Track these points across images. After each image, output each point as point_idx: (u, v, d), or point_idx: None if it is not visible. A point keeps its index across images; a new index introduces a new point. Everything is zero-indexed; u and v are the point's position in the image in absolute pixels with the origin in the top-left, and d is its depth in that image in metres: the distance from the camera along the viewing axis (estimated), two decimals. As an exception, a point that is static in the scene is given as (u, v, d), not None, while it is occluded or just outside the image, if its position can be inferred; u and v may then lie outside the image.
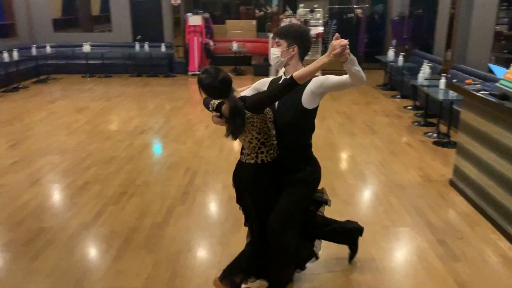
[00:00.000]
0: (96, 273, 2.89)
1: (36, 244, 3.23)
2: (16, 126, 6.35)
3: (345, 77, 2.22)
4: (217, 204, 3.93)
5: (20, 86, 9.06)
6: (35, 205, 3.88)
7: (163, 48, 10.27)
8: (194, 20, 10.17)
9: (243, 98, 2.30)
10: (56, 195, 4.17)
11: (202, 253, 3.14)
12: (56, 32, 10.96)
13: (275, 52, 2.36)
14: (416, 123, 6.35)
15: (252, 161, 2.40)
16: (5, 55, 8.61)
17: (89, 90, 8.97)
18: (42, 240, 3.28)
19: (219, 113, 2.35)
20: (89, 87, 9.33)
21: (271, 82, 2.48)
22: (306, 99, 2.30)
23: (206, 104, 2.44)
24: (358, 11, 9.93)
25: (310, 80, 2.29)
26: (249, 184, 2.47)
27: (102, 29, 11.62)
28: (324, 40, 10.03)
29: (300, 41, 2.36)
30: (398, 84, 8.40)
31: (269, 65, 10.26)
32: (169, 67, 10.73)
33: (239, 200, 2.59)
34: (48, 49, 9.93)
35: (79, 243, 3.26)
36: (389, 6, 10.72)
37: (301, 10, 9.96)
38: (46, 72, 10.22)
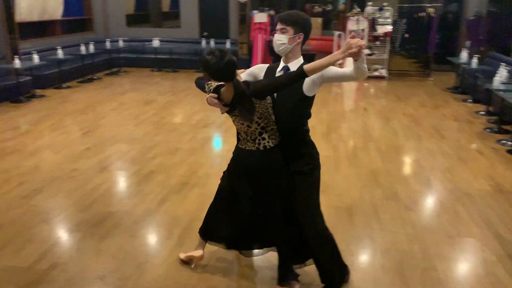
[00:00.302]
0: (158, 258, 3.01)
1: (103, 226, 3.43)
2: (89, 115, 6.75)
3: (347, 70, 2.27)
4: (275, 200, 3.94)
5: (94, 77, 9.63)
6: (104, 190, 4.11)
7: (228, 45, 10.46)
8: (260, 17, 10.24)
9: (247, 83, 2.30)
10: (123, 182, 4.40)
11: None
12: (128, 27, 11.52)
13: (281, 39, 2.34)
14: (489, 130, 5.98)
15: (254, 148, 2.38)
16: (82, 48, 9.19)
17: (157, 84, 9.34)
18: (109, 223, 3.47)
19: (216, 95, 2.31)
20: (156, 80, 9.72)
21: (269, 69, 2.47)
22: (307, 87, 2.33)
23: (200, 85, 2.43)
24: (430, 10, 9.50)
25: None
26: (250, 172, 2.43)
27: (171, 25, 12.04)
28: (393, 39, 9.71)
29: (305, 29, 2.36)
30: (471, 87, 7.94)
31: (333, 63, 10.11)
32: (233, 63, 10.89)
33: (228, 183, 2.61)
34: (121, 43, 10.46)
35: (142, 228, 3.42)
36: (464, 5, 10.15)
37: (369, 8, 9.70)
38: (118, 65, 10.78)
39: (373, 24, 9.59)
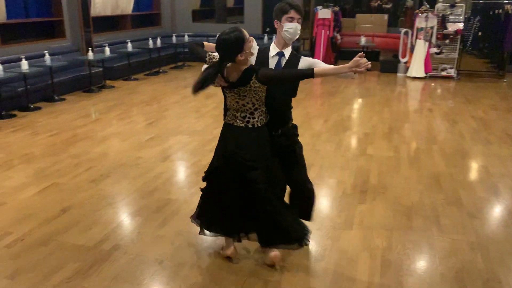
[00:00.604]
0: (212, 248, 3.08)
1: (163, 212, 3.58)
2: (154, 107, 7.05)
3: (332, 69, 2.46)
4: (329, 199, 3.90)
5: (160, 70, 10.02)
6: (165, 178, 4.29)
7: (290, 41, 10.44)
8: (324, 13, 10.13)
9: (255, 68, 2.47)
10: (183, 172, 4.55)
11: (313, 244, 3.15)
12: (194, 22, 11.84)
13: (299, 28, 2.57)
14: None
15: (242, 125, 2.56)
16: (150, 42, 9.58)
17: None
18: (168, 210, 3.62)
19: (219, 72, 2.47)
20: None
21: (260, 51, 2.65)
22: None
23: (195, 50, 2.64)
24: (508, 7, 8.88)
25: (300, 58, 2.61)
26: (237, 148, 2.57)
27: (235, 20, 12.23)
28: (464, 37, 9.20)
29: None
30: (550, 90, 7.35)
31: (398, 61, 9.79)
32: (294, 60, 10.87)
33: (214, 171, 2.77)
34: (186, 38, 10.78)
35: (199, 218, 3.52)
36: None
37: (440, 5, 9.26)
38: (182, 59, 11.12)
39: (443, 21, 9.14)
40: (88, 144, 5.20)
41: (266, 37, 10.65)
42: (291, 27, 2.54)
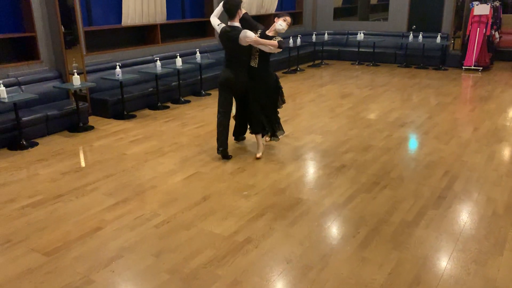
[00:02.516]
0: (342, 254, 3.03)
1: (294, 211, 3.62)
2: (290, 104, 7.16)
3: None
4: (477, 217, 3.50)
5: (297, 68, 10.16)
6: (297, 177, 4.34)
7: (438, 39, 9.67)
8: (481, 9, 9.12)
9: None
10: (315, 172, 4.54)
11: (452, 266, 2.87)
12: (334, 20, 11.73)
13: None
14: None
15: (253, 65, 4.58)
16: (291, 41, 9.77)
17: (356, 77, 9.31)
18: (299, 210, 3.65)
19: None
20: (356, 74, 9.68)
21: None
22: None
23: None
24: None
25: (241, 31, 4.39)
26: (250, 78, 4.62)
27: (378, 17, 11.76)
28: None
29: None
30: None
31: None
32: (441, 60, 10.05)
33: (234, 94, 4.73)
34: (326, 37, 10.73)
35: (329, 220, 3.48)
36: None
37: None
38: (320, 58, 11.11)
39: None
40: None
41: (411, 35, 10.02)
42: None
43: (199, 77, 7.80)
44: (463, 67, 9.61)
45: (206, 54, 8.49)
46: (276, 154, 4.94)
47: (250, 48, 4.46)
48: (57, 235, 3.31)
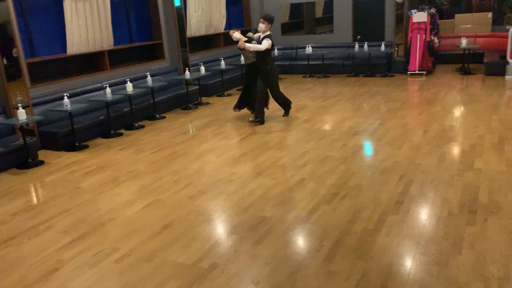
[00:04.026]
0: (308, 269, 3.02)
1: (258, 231, 3.59)
2: (247, 122, 7.18)
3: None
4: (434, 219, 3.61)
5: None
6: (258, 195, 4.32)
7: (382, 47, 10.06)
8: (419, 16, 9.60)
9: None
10: (276, 188, 4.54)
11: (416, 270, 2.94)
12: (283, 35, 11.95)
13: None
14: None
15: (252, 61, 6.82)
16: (242, 58, 9.84)
17: (308, 90, 9.49)
18: (263, 228, 3.62)
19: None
20: (308, 86, 9.87)
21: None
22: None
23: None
24: None
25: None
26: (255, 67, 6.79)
27: (324, 30, 12.10)
28: None
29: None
30: None
31: (506, 63, 8.91)
32: (387, 67, 10.46)
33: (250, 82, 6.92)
34: (276, 52, 10.90)
35: (293, 236, 3.48)
36: None
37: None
38: (272, 72, 11.23)
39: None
40: (186, 160, 5.45)
41: (357, 46, 10.38)
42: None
43: (152, 101, 7.68)
44: (408, 72, 10.03)
45: (157, 77, 8.39)
46: (236, 172, 4.91)
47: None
48: (10, 282, 3.11)
